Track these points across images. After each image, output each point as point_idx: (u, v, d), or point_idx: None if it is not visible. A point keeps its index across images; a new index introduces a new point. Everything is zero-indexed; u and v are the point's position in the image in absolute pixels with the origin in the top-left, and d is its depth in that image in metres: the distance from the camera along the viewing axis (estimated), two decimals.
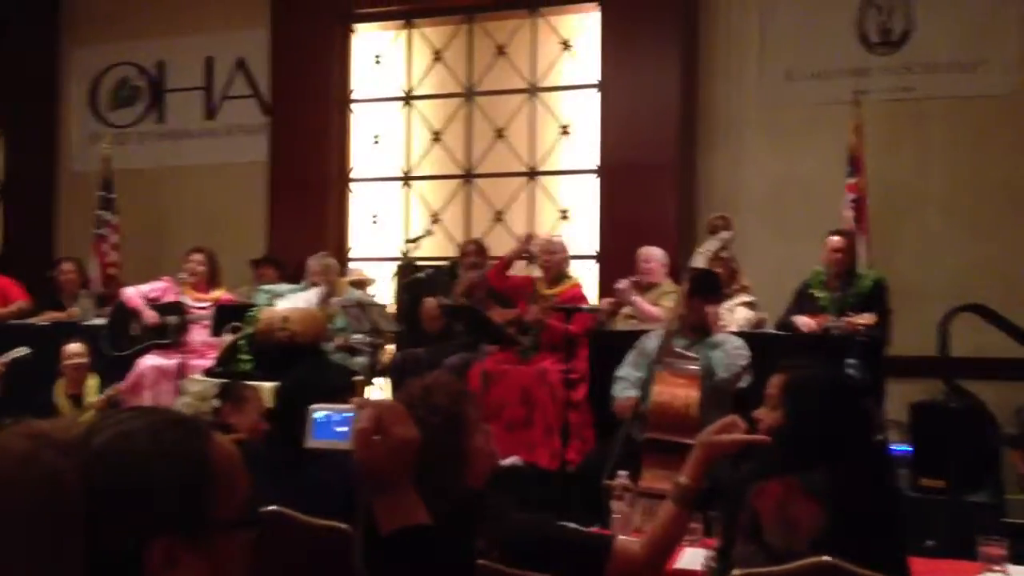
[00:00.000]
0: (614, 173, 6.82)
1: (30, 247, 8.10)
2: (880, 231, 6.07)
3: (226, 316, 5.99)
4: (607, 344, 5.24)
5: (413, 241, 6.81)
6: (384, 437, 1.27)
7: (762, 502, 2.30)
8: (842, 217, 5.93)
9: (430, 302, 5.96)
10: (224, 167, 8.04)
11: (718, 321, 4.76)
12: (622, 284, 5.50)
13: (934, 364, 5.23)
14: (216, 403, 3.79)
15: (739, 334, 4.81)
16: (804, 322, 5.21)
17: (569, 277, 5.88)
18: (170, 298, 6.20)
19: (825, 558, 2.14)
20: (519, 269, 6.72)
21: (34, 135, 8.47)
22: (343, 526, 2.35)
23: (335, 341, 5.87)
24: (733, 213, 5.39)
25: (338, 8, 7.65)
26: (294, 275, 6.65)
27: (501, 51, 7.38)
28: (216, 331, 5.99)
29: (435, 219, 7.50)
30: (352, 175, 7.76)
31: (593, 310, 5.64)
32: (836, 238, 5.44)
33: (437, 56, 7.57)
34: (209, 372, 5.54)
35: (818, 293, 5.38)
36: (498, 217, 7.37)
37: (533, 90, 7.29)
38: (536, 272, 6.02)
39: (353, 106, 7.76)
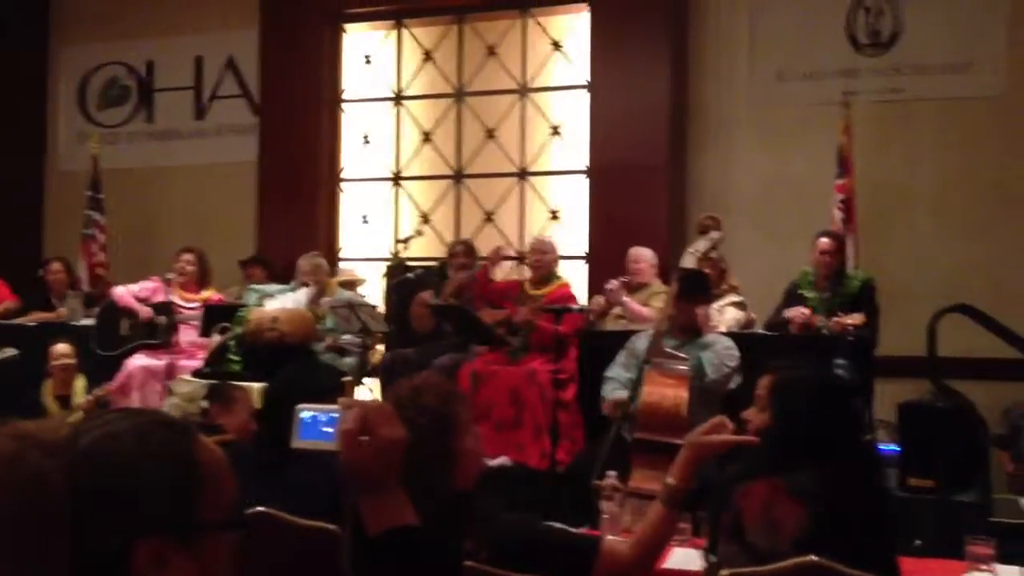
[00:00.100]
0: (604, 174, 6.82)
1: (18, 247, 8.06)
2: (869, 232, 6.09)
3: (215, 316, 5.98)
4: (597, 344, 5.25)
5: (403, 241, 6.81)
6: (371, 438, 1.27)
7: (746, 502, 2.31)
8: (832, 218, 5.96)
9: (420, 296, 5.96)
10: (213, 167, 8.01)
11: (708, 322, 4.77)
12: (612, 285, 5.50)
13: (922, 364, 5.24)
14: (205, 404, 3.77)
15: (728, 334, 4.82)
16: (796, 312, 5.20)
17: (558, 277, 5.89)
18: (159, 298, 6.18)
19: (812, 557, 2.15)
20: (506, 272, 6.74)
21: (22, 134, 8.43)
22: (330, 526, 2.34)
23: (325, 341, 5.87)
24: (723, 214, 5.40)
25: (328, 8, 7.64)
26: (284, 275, 6.64)
27: (491, 51, 7.37)
28: (205, 332, 5.98)
29: (425, 219, 7.49)
30: (342, 175, 7.75)
31: (582, 310, 5.64)
32: (825, 239, 5.45)
33: (427, 56, 7.56)
34: (198, 373, 5.52)
35: (807, 294, 5.39)
36: (488, 217, 7.36)
37: (523, 91, 7.29)
38: (525, 273, 6.02)
39: (343, 106, 7.75)
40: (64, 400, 5.58)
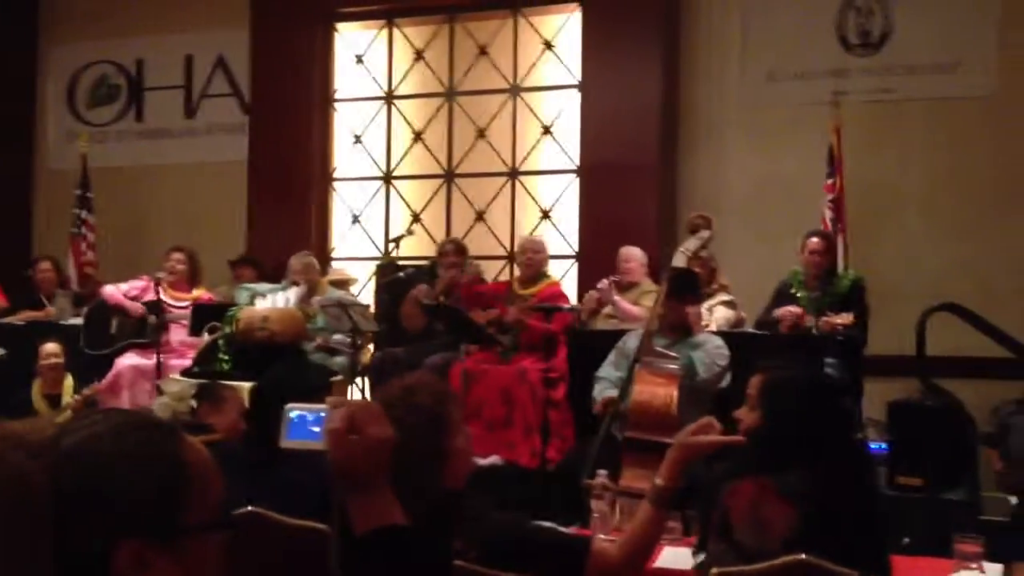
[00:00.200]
0: (595, 173, 6.83)
1: (6, 246, 8.02)
2: (859, 231, 6.11)
3: (204, 316, 5.96)
4: (587, 344, 5.25)
5: (394, 241, 6.80)
6: (359, 437, 1.26)
7: (735, 501, 2.31)
8: (821, 217, 5.98)
9: (413, 294, 5.95)
10: (204, 166, 7.99)
11: (699, 321, 4.78)
12: (603, 284, 5.51)
13: (911, 363, 5.27)
14: (194, 403, 3.76)
15: (718, 333, 4.83)
16: (786, 311, 5.21)
17: (547, 276, 5.89)
18: (149, 297, 6.16)
19: (801, 556, 2.15)
20: (495, 273, 6.74)
21: (11, 133, 8.38)
22: (320, 526, 2.34)
23: (315, 341, 5.86)
24: (714, 213, 5.40)
25: (319, 7, 7.62)
26: (275, 274, 6.62)
27: (483, 51, 7.37)
28: (194, 331, 5.96)
29: (416, 219, 7.49)
30: (333, 175, 7.73)
31: (573, 310, 5.65)
32: (815, 239, 5.47)
33: (419, 56, 7.55)
34: (187, 372, 5.51)
35: (797, 293, 5.40)
36: (479, 217, 7.36)
37: (515, 90, 7.29)
38: (513, 274, 6.03)
39: (334, 105, 7.73)
40: (53, 399, 5.56)
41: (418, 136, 7.55)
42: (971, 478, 4.82)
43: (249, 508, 2.48)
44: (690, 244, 4.70)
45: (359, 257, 7.55)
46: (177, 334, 6.10)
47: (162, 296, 6.17)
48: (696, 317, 4.68)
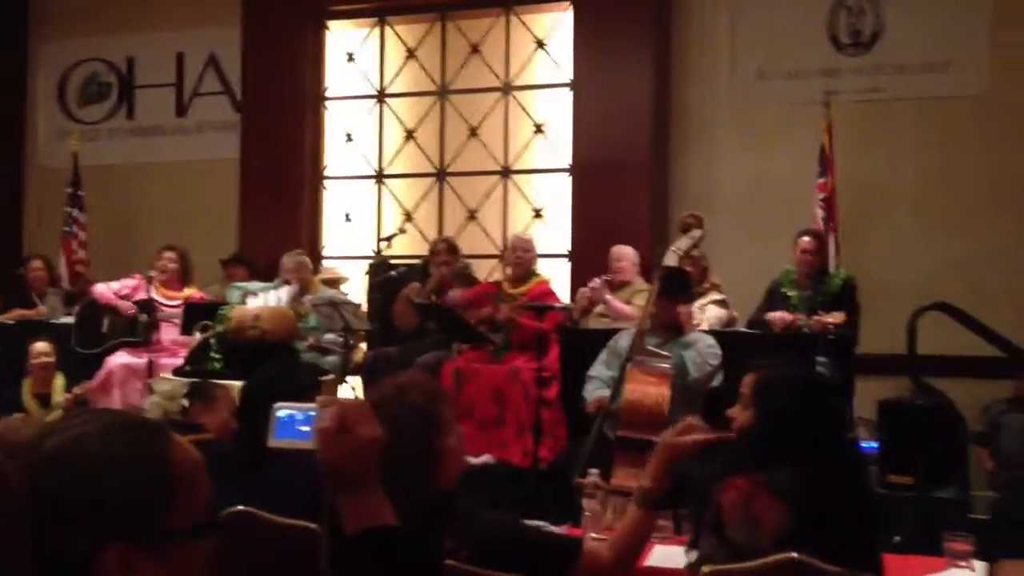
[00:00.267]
0: (587, 172, 6.83)
1: None
2: (850, 231, 6.12)
3: (195, 314, 5.95)
4: (579, 343, 5.25)
5: (386, 240, 6.79)
6: (348, 436, 1.26)
7: (727, 497, 2.32)
8: (813, 216, 5.99)
9: (405, 292, 5.94)
10: (195, 164, 7.97)
11: (691, 320, 4.78)
12: (595, 283, 5.51)
13: (902, 362, 5.29)
14: (185, 402, 3.75)
15: (710, 332, 4.83)
16: (778, 317, 5.23)
17: (536, 275, 5.89)
18: (141, 296, 6.15)
19: (792, 555, 2.16)
20: (487, 272, 6.73)
21: (1, 131, 8.35)
22: (311, 525, 2.33)
23: (307, 340, 5.84)
24: (706, 212, 5.40)
25: (311, 5, 7.61)
26: (266, 273, 6.61)
27: (475, 49, 7.36)
28: (186, 329, 5.94)
29: (408, 217, 7.48)
30: (325, 173, 7.72)
31: (564, 308, 5.65)
32: (806, 238, 5.48)
33: (410, 54, 7.55)
34: (179, 371, 5.49)
35: (789, 292, 5.42)
36: (471, 216, 7.36)
37: (506, 89, 7.28)
38: (499, 274, 6.02)
39: (326, 104, 7.72)
40: (44, 398, 5.54)
41: (410, 135, 7.54)
42: (961, 477, 4.84)
43: (240, 507, 2.48)
44: (682, 243, 4.71)
45: (351, 256, 7.54)
46: (168, 333, 6.09)
47: (153, 295, 6.16)
48: (688, 316, 4.68)
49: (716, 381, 4.48)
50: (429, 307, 5.72)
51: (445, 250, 6.19)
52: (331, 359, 5.77)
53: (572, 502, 3.55)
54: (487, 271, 6.90)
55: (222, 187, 7.70)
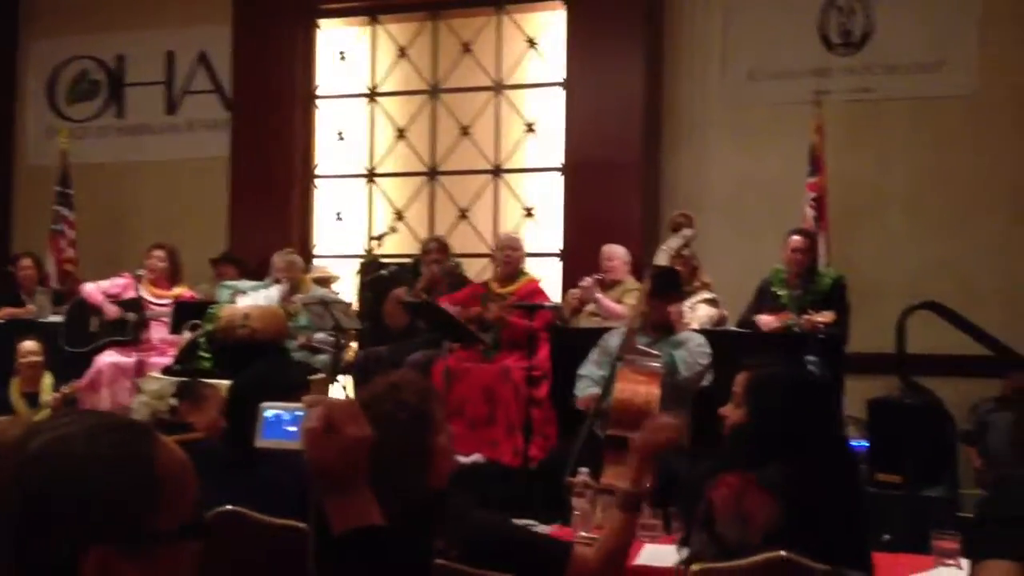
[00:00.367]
0: (578, 171, 6.83)
1: None
2: (840, 230, 6.14)
3: (185, 313, 5.93)
4: (570, 342, 5.25)
5: (377, 238, 6.78)
6: (335, 436, 1.25)
7: (717, 493, 2.33)
8: (803, 216, 6.00)
9: (394, 293, 5.94)
10: (185, 163, 7.94)
11: (681, 319, 4.79)
12: (586, 282, 5.51)
13: (891, 361, 5.30)
14: (174, 402, 3.73)
15: (700, 331, 4.84)
16: (765, 321, 5.26)
17: (524, 274, 5.89)
18: (130, 294, 6.12)
19: (781, 553, 2.16)
20: (478, 271, 6.73)
21: None
22: (300, 525, 2.33)
23: (298, 339, 5.83)
24: (696, 212, 5.42)
25: (302, 3, 7.59)
26: (257, 272, 6.59)
27: (466, 48, 7.36)
28: (175, 328, 5.93)
29: (399, 216, 7.47)
30: (316, 172, 7.70)
31: (554, 307, 5.65)
32: (797, 237, 5.49)
33: (402, 53, 7.54)
34: (168, 370, 5.47)
35: (779, 291, 5.43)
36: (463, 215, 7.35)
37: (498, 88, 7.28)
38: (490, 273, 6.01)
39: (317, 102, 7.70)
40: (32, 398, 5.52)
41: (401, 133, 7.53)
42: (950, 475, 4.86)
43: (229, 507, 2.47)
44: (672, 242, 4.71)
45: (342, 255, 7.53)
46: (158, 332, 6.07)
47: (143, 293, 6.13)
48: (678, 315, 4.69)
49: (706, 380, 4.49)
50: (419, 306, 5.71)
51: (436, 249, 6.18)
52: (322, 358, 5.75)
53: (562, 501, 3.55)
54: (478, 270, 6.89)
55: (212, 186, 7.68)
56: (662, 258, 4.58)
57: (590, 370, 4.66)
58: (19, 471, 0.91)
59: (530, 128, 7.22)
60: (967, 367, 5.68)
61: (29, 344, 5.60)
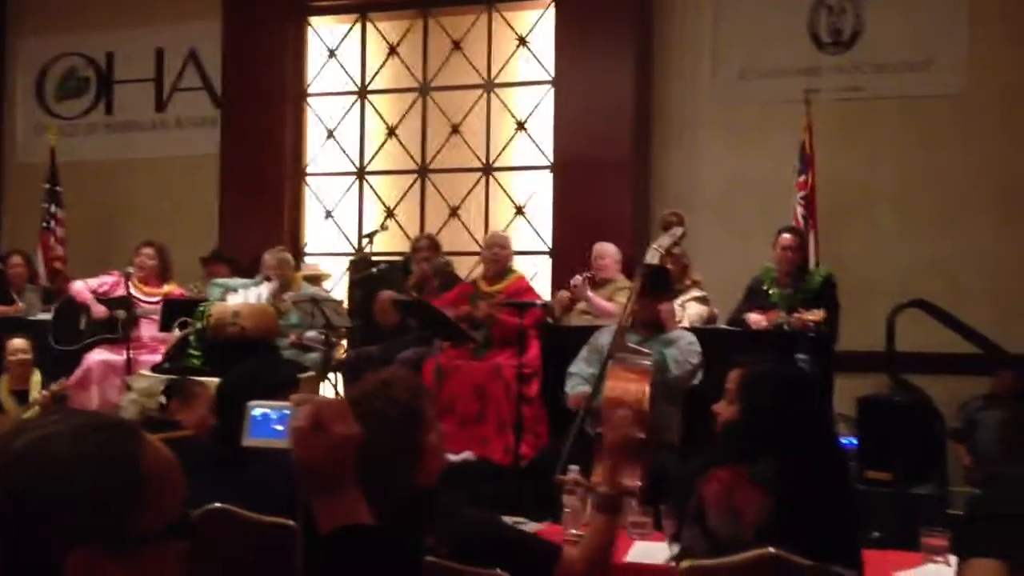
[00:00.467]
0: (569, 169, 6.83)
1: None
2: (830, 228, 6.15)
3: (174, 311, 5.91)
4: (560, 340, 5.25)
5: (368, 236, 6.77)
6: (323, 435, 1.25)
7: (708, 488, 2.33)
8: (793, 214, 6.02)
9: (384, 294, 5.93)
10: (174, 160, 7.92)
11: (672, 317, 4.79)
12: (576, 280, 5.51)
13: (881, 359, 5.31)
14: (163, 399, 3.72)
15: (691, 330, 4.85)
16: (755, 320, 5.27)
17: (512, 271, 5.89)
18: (120, 292, 6.10)
19: (770, 549, 2.16)
20: (468, 269, 6.72)
21: None
22: (289, 523, 2.33)
23: (288, 337, 5.82)
24: (687, 210, 5.43)
25: (292, 1, 7.57)
26: (248, 270, 6.57)
27: (456, 46, 7.35)
28: (165, 326, 5.91)
29: (390, 214, 7.46)
30: (306, 169, 7.69)
31: (545, 305, 5.65)
32: (787, 235, 5.50)
33: (392, 50, 7.52)
34: (158, 368, 5.45)
35: (769, 289, 5.44)
36: (453, 212, 7.35)
37: (488, 85, 7.27)
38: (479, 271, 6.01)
39: (308, 100, 7.68)
40: (21, 395, 5.49)
41: (392, 131, 7.52)
42: (939, 473, 4.87)
43: (217, 505, 2.47)
44: (663, 241, 4.71)
45: (332, 253, 7.51)
46: (147, 329, 6.05)
47: (132, 291, 6.11)
48: (669, 314, 4.69)
49: (696, 379, 4.49)
50: (410, 304, 5.71)
51: (427, 247, 6.17)
52: (312, 356, 5.74)
53: (552, 499, 3.55)
54: (469, 268, 6.89)
55: (202, 183, 7.65)
56: (653, 256, 4.58)
57: (581, 368, 4.66)
58: (3, 470, 0.90)
59: (520, 126, 7.22)
60: (956, 365, 5.71)
61: (18, 342, 5.57)
